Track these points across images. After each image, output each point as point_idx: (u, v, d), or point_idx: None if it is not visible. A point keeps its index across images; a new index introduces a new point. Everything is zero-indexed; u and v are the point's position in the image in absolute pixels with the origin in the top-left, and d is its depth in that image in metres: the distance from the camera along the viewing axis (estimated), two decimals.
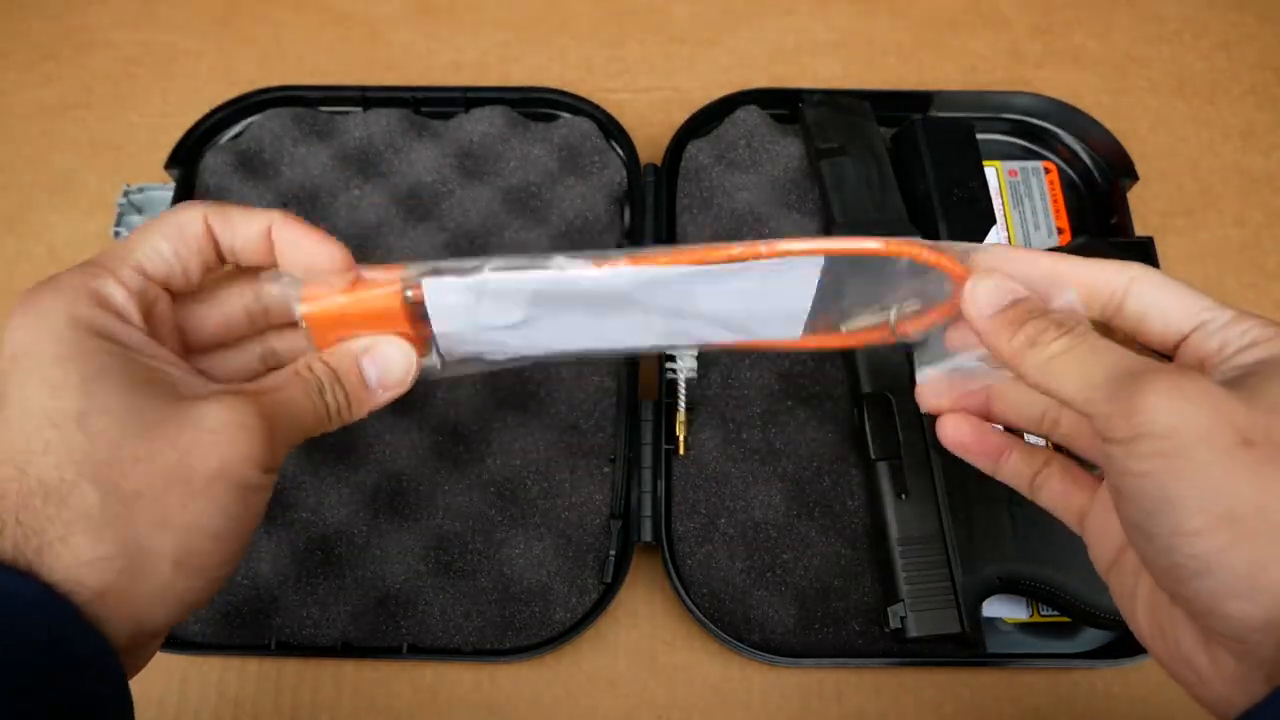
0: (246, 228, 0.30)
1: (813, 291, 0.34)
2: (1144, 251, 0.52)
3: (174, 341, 0.31)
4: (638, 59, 0.63)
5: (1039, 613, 0.47)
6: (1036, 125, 0.58)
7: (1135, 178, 0.54)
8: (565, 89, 0.57)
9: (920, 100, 0.57)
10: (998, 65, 0.63)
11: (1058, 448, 0.35)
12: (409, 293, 0.32)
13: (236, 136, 0.57)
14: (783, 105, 0.57)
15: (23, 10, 0.65)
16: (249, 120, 0.58)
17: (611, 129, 0.57)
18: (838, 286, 0.34)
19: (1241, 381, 0.25)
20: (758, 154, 0.56)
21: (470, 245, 0.54)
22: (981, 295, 0.30)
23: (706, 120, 0.57)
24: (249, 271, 0.33)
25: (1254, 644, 0.23)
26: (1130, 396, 0.25)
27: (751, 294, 0.34)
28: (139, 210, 0.56)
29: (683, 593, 0.45)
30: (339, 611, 0.46)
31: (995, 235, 0.53)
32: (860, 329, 0.37)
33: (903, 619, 0.43)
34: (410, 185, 0.56)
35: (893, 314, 0.35)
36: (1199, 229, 0.57)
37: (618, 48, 0.64)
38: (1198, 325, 0.28)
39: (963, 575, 0.44)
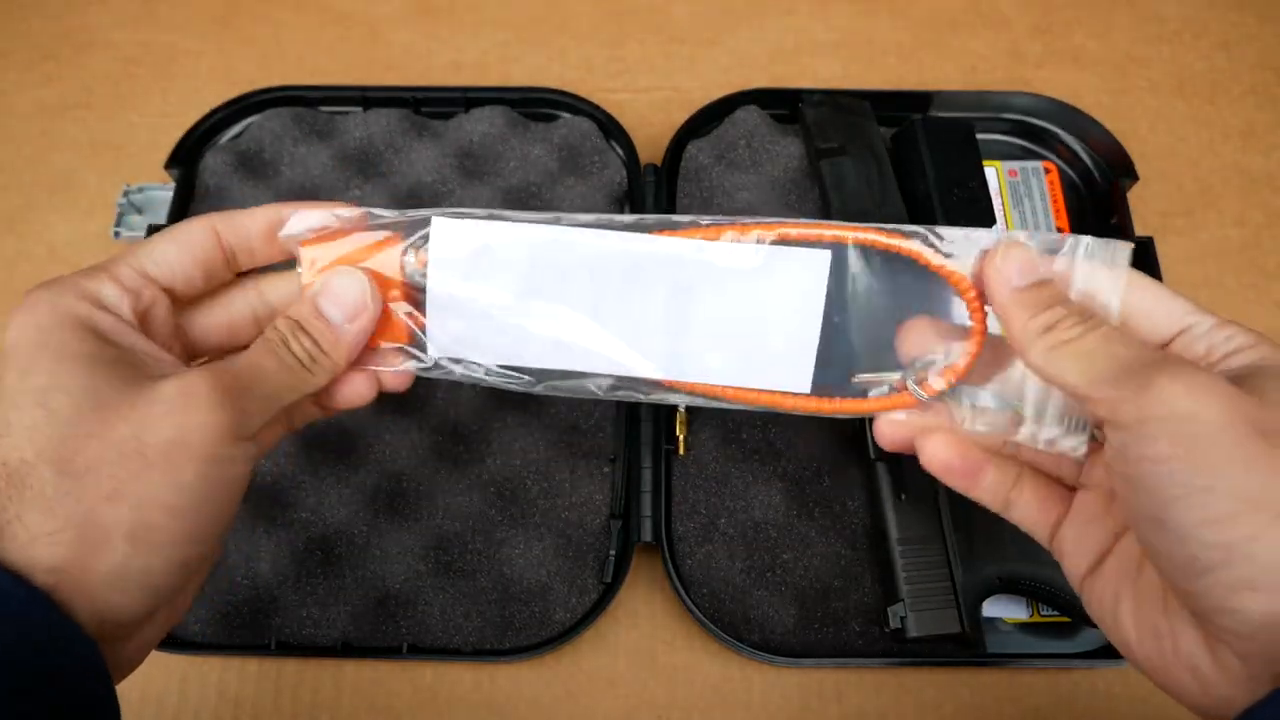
0: (252, 219, 0.32)
1: (822, 299, 0.33)
2: (1144, 251, 0.52)
3: (175, 344, 0.31)
4: (638, 59, 0.63)
5: (1039, 613, 0.47)
6: (1036, 125, 0.58)
7: (1135, 178, 0.54)
8: (565, 89, 0.57)
9: (920, 100, 0.57)
10: (998, 65, 0.63)
11: None
12: (409, 257, 0.33)
13: (236, 136, 0.57)
14: (783, 105, 0.57)
15: (23, 10, 0.65)
16: (249, 120, 0.58)
17: (611, 129, 0.57)
18: (843, 315, 0.34)
19: (1240, 382, 0.25)
20: (758, 154, 0.56)
21: None
22: (1013, 266, 0.30)
23: (706, 120, 0.57)
24: (253, 274, 0.34)
25: (1265, 641, 0.23)
26: (1145, 382, 0.25)
27: (755, 300, 0.34)
28: (139, 210, 0.56)
29: (683, 593, 0.45)
30: (339, 611, 0.46)
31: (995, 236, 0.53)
32: (875, 392, 0.35)
33: (903, 619, 0.43)
34: (410, 185, 0.56)
35: (911, 376, 0.33)
36: (1199, 229, 0.57)
37: (618, 48, 0.64)
38: (1183, 329, 0.28)
39: (963, 575, 0.44)
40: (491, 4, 0.65)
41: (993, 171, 0.56)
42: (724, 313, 0.34)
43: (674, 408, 0.49)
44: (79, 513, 0.25)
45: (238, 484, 0.28)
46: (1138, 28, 0.64)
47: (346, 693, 0.46)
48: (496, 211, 0.34)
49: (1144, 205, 0.57)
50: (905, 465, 0.46)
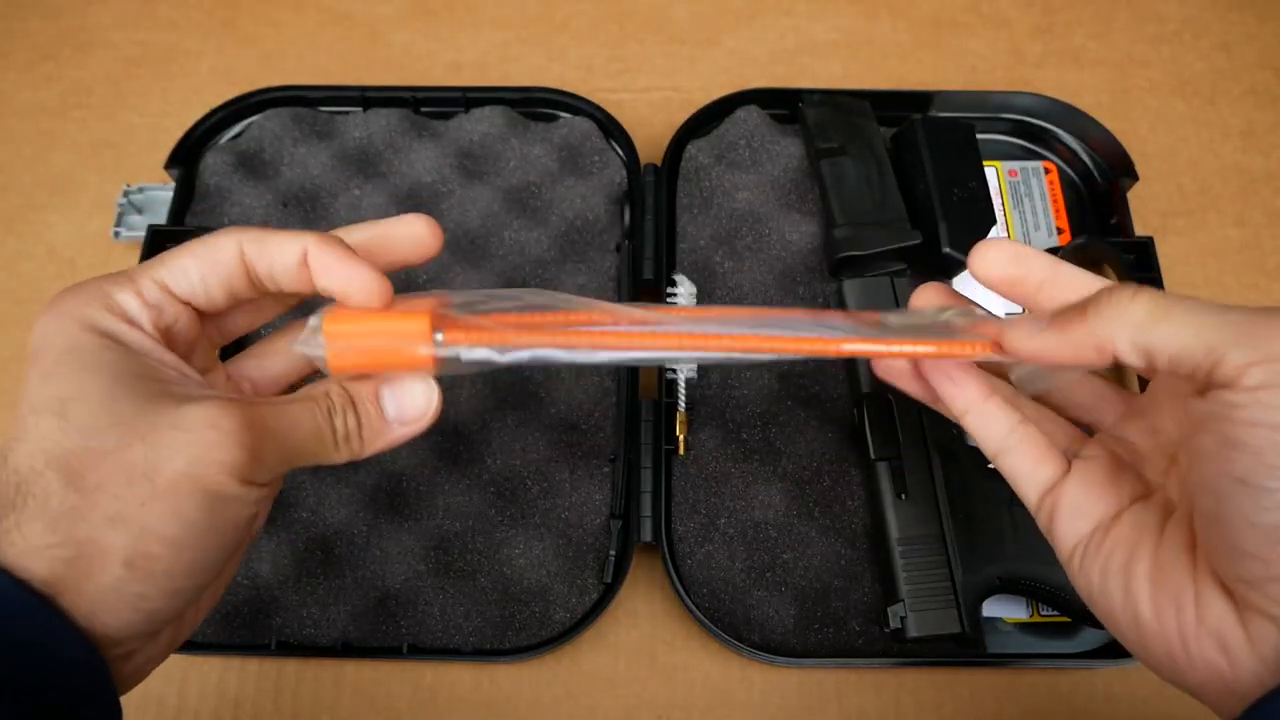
0: (282, 251, 0.29)
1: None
2: (1144, 251, 0.52)
3: (199, 356, 0.31)
4: (638, 59, 0.63)
5: (1039, 613, 0.47)
6: (1036, 125, 0.58)
7: (1135, 178, 0.54)
8: (565, 89, 0.57)
9: (920, 100, 0.57)
10: (998, 65, 0.63)
11: None
12: (439, 337, 0.30)
13: (236, 136, 0.57)
14: (783, 105, 0.57)
15: (23, 10, 0.65)
16: (249, 120, 0.58)
17: (611, 129, 0.57)
18: None
19: None
20: (758, 154, 0.56)
21: (470, 245, 0.54)
22: (1024, 322, 0.29)
23: (706, 120, 0.57)
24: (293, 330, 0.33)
25: None
26: (1269, 339, 0.23)
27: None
28: (139, 210, 0.56)
29: (683, 593, 0.45)
30: (339, 611, 0.46)
31: (995, 235, 0.53)
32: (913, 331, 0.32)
33: (903, 619, 0.43)
34: (410, 185, 0.56)
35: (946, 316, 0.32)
36: (1199, 229, 0.57)
37: (618, 48, 0.64)
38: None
39: (963, 575, 0.44)
40: (491, 4, 0.65)
41: (993, 171, 0.56)
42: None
43: (674, 407, 0.49)
44: (80, 531, 0.25)
45: (244, 525, 0.28)
46: (1138, 28, 0.64)
47: (346, 693, 0.46)
48: (519, 294, 0.32)
49: (1144, 205, 0.57)
50: (905, 465, 0.46)
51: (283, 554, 0.47)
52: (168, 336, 0.29)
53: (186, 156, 0.56)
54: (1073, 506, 0.30)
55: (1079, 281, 0.30)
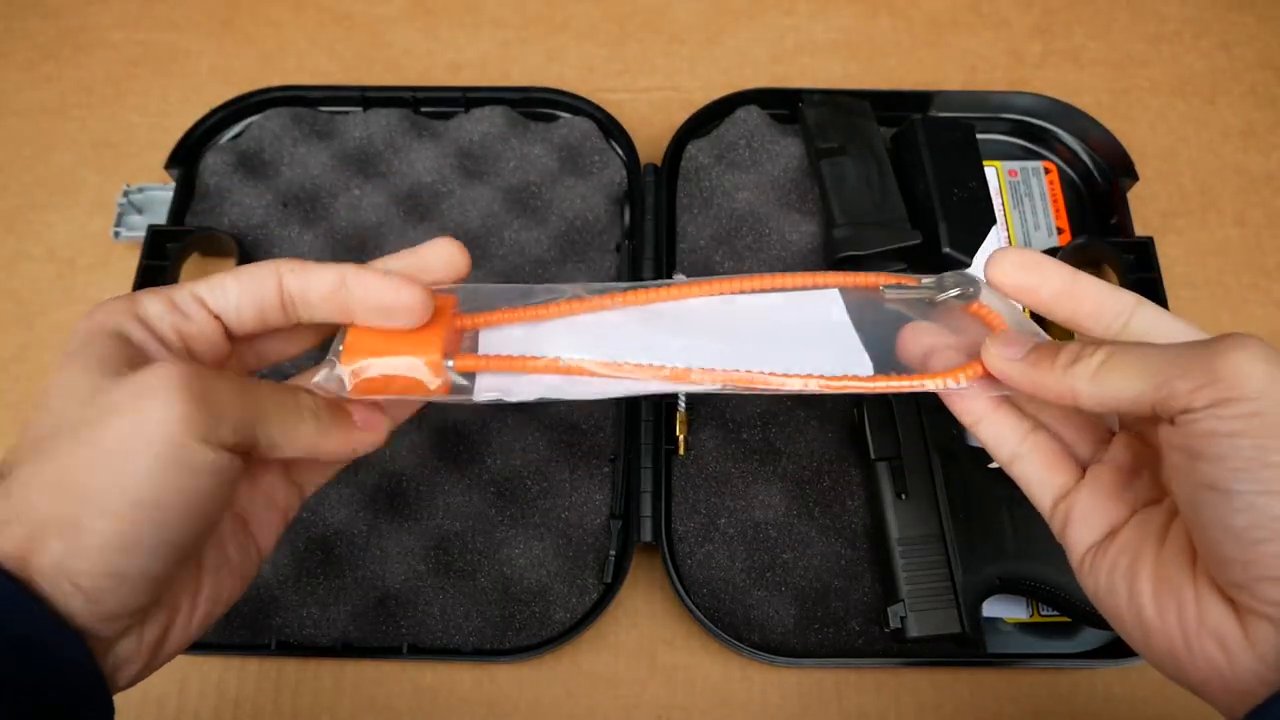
0: (319, 277, 0.30)
1: (846, 315, 0.35)
2: (1144, 251, 0.52)
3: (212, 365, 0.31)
4: (638, 59, 0.63)
5: (1039, 613, 0.47)
6: (1036, 125, 0.58)
7: (1135, 178, 0.54)
8: (565, 89, 0.57)
9: (920, 100, 0.57)
10: (998, 65, 0.63)
11: None
12: (449, 364, 0.32)
13: (236, 136, 0.57)
14: (783, 105, 0.57)
15: (23, 10, 0.65)
16: (249, 120, 0.58)
17: (611, 129, 0.57)
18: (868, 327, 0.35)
19: None
20: (758, 154, 0.56)
21: (470, 245, 0.54)
22: (1008, 348, 0.30)
23: (706, 120, 0.57)
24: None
25: None
26: (1211, 364, 0.25)
27: (790, 324, 0.35)
28: (139, 210, 0.56)
29: (683, 593, 0.45)
30: (339, 611, 0.46)
31: (995, 235, 0.53)
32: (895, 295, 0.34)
33: (903, 619, 0.43)
34: (410, 185, 0.56)
35: (943, 289, 0.33)
36: (1199, 229, 0.57)
37: (618, 48, 0.64)
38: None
39: (963, 575, 0.44)
40: (491, 4, 0.65)
41: (993, 171, 0.56)
42: (768, 337, 0.34)
43: (674, 407, 0.49)
44: (26, 503, 0.25)
45: (200, 494, 0.26)
46: (1138, 28, 0.64)
47: (346, 693, 0.46)
48: (531, 291, 0.35)
49: (1144, 205, 0.57)
50: (905, 465, 0.46)
51: (283, 554, 0.47)
52: (189, 343, 0.30)
53: (186, 156, 0.56)
54: (1086, 515, 0.30)
55: (1096, 293, 0.31)
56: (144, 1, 0.65)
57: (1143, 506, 0.30)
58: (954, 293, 0.33)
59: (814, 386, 0.32)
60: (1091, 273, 0.31)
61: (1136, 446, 0.31)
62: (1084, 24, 0.64)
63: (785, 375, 0.32)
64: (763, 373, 0.32)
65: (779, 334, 0.35)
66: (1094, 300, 0.31)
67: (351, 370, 0.31)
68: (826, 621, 0.46)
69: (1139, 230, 0.54)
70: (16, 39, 0.64)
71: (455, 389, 0.32)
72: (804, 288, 0.35)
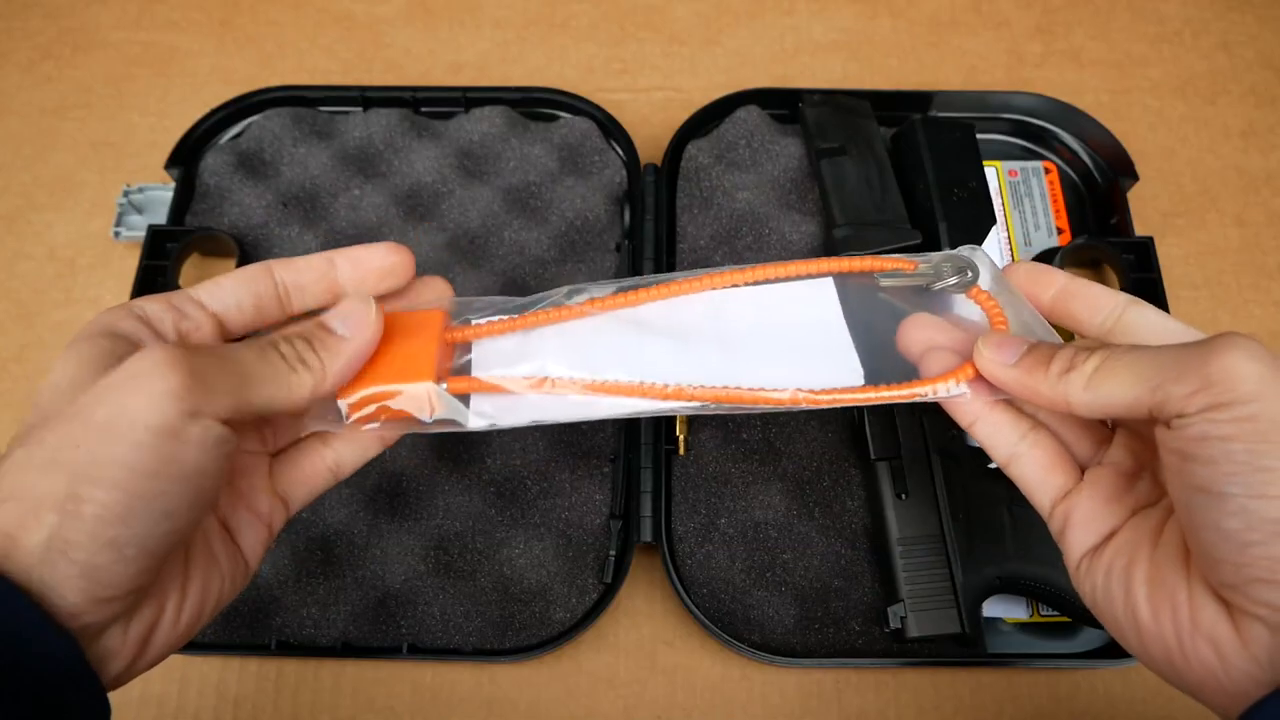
0: (308, 263, 0.33)
1: (840, 312, 0.35)
2: (1144, 251, 0.52)
3: None
4: (638, 59, 0.63)
5: (1039, 613, 0.47)
6: (1036, 125, 0.58)
7: (1135, 178, 0.54)
8: (565, 89, 0.57)
9: (920, 100, 0.57)
10: (998, 65, 0.63)
11: None
12: (443, 386, 0.33)
13: (236, 136, 0.57)
14: (783, 105, 0.57)
15: (23, 10, 0.65)
16: (249, 120, 0.58)
17: (611, 129, 0.57)
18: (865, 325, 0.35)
19: None
20: (758, 154, 0.56)
21: (470, 245, 0.54)
22: (1000, 353, 0.31)
23: (706, 120, 0.57)
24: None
25: None
26: (1203, 368, 0.25)
27: (782, 326, 0.35)
28: (139, 210, 0.56)
29: (683, 593, 0.45)
30: (339, 611, 0.46)
31: (995, 235, 0.53)
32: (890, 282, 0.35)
33: (903, 619, 0.43)
34: (410, 185, 0.56)
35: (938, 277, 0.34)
36: (1199, 229, 0.57)
37: (618, 48, 0.64)
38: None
39: (963, 575, 0.44)
40: (491, 4, 0.65)
41: (993, 171, 0.56)
42: (761, 343, 0.35)
43: None
44: (18, 482, 0.25)
45: (195, 478, 0.26)
46: (1138, 28, 0.64)
47: (346, 693, 0.46)
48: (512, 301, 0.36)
49: (1144, 205, 0.57)
50: (905, 465, 0.46)
51: (283, 554, 0.47)
52: (186, 340, 0.31)
53: (186, 156, 0.56)
54: (1084, 520, 0.31)
55: (1089, 291, 0.32)
56: (144, 1, 0.65)
57: (1140, 508, 0.30)
58: (951, 281, 0.34)
59: (802, 401, 0.33)
60: (1092, 273, 0.32)
61: (1136, 446, 0.31)
62: (1084, 24, 0.64)
63: (774, 391, 0.33)
64: (752, 390, 0.33)
65: (771, 338, 0.35)
66: (1087, 297, 0.32)
67: (349, 403, 0.32)
68: (826, 621, 0.46)
69: (1139, 230, 0.54)
70: (16, 39, 0.64)
71: (451, 410, 0.33)
72: (797, 276, 0.35)
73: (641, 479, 0.47)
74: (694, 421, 0.49)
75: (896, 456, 0.46)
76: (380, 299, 0.33)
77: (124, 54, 0.63)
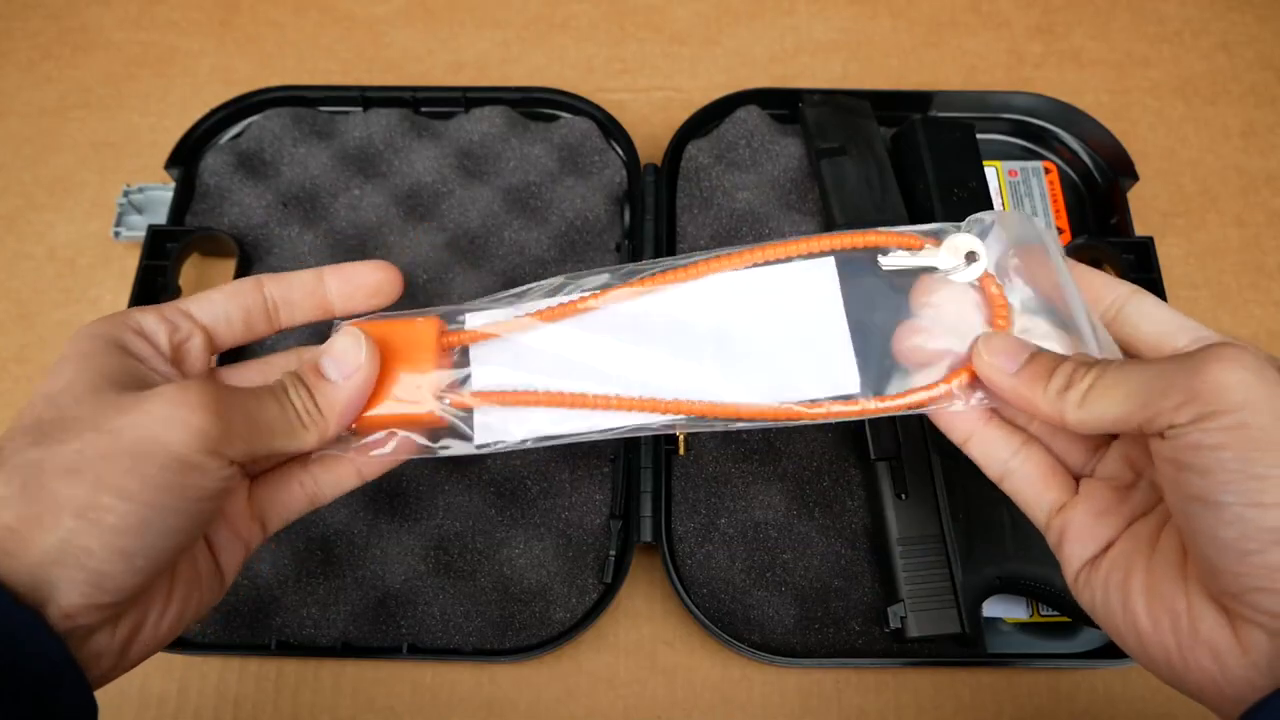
0: (299, 279, 0.34)
1: (840, 301, 0.34)
2: (1144, 251, 0.52)
3: (198, 375, 0.33)
4: (638, 59, 0.63)
5: (1039, 613, 0.47)
6: (1036, 125, 0.58)
7: (1135, 178, 0.54)
8: (565, 89, 0.57)
9: (920, 100, 0.57)
10: (998, 65, 0.63)
11: None
12: (445, 403, 0.34)
13: (236, 136, 0.57)
14: (783, 105, 0.57)
15: (23, 10, 0.65)
16: (249, 120, 0.58)
17: (611, 129, 0.57)
18: (867, 315, 0.34)
19: None
20: (758, 154, 0.56)
21: (470, 245, 0.54)
22: (1001, 358, 0.31)
23: (706, 120, 0.57)
24: (296, 349, 0.36)
25: None
26: (1192, 379, 0.25)
27: (781, 320, 0.35)
28: (139, 210, 0.56)
29: (683, 593, 0.45)
30: (339, 611, 0.46)
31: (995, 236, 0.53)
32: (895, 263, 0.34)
33: (903, 619, 0.43)
34: (410, 185, 0.56)
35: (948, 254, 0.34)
36: (1199, 229, 0.57)
37: (618, 48, 0.64)
38: (1196, 340, 0.29)
39: (963, 575, 0.44)
40: (491, 4, 0.65)
41: (993, 171, 0.56)
42: (757, 341, 0.35)
43: None
44: (35, 483, 0.26)
45: (203, 500, 0.28)
46: (1138, 28, 0.64)
47: (346, 693, 0.46)
48: (516, 297, 0.36)
49: (1144, 205, 0.57)
50: (905, 465, 0.46)
51: (283, 554, 0.47)
52: (178, 354, 0.32)
53: (186, 156, 0.56)
54: (1080, 533, 0.31)
55: (1094, 281, 0.32)
56: (144, 1, 0.65)
57: (1136, 518, 0.30)
58: (957, 265, 0.33)
59: (803, 417, 0.33)
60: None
61: (1132, 454, 0.31)
62: (1084, 24, 0.64)
63: (767, 407, 0.33)
64: (749, 405, 0.33)
65: (768, 332, 0.35)
66: (1090, 286, 0.32)
67: (354, 431, 0.34)
68: (826, 621, 0.46)
69: (1139, 230, 0.54)
70: (16, 39, 0.64)
71: (454, 428, 0.35)
72: (798, 255, 0.35)
73: (641, 479, 0.47)
74: None
75: (896, 456, 0.46)
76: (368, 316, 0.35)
77: (124, 54, 0.63)
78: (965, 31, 0.64)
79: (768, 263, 0.35)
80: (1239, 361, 0.25)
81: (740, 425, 0.34)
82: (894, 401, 0.33)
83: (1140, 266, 0.52)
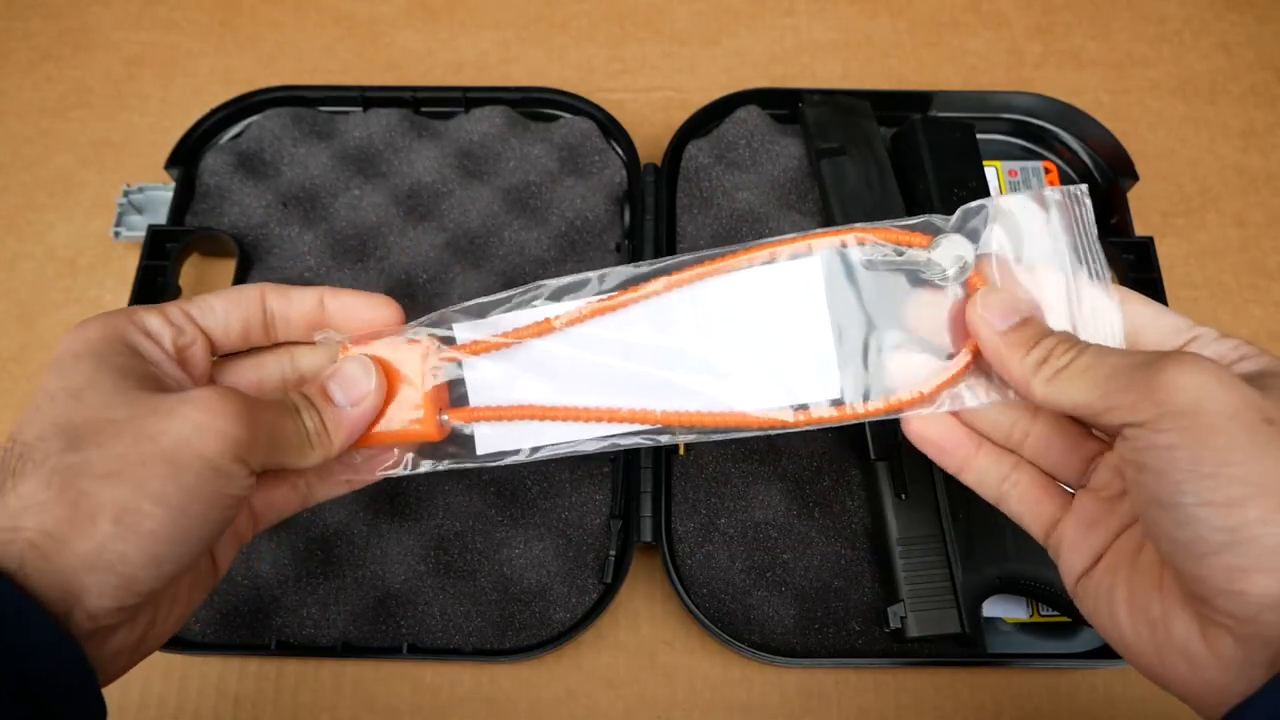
0: (301, 298, 0.34)
1: (824, 304, 0.34)
2: (1144, 251, 0.52)
3: (206, 383, 0.33)
4: (638, 59, 0.63)
5: (1039, 613, 0.47)
6: (1036, 125, 0.58)
7: (1135, 178, 0.54)
8: (565, 89, 0.57)
9: (920, 100, 0.57)
10: (998, 65, 0.63)
11: None
12: (433, 360, 0.35)
13: (236, 136, 0.57)
14: (783, 105, 0.57)
15: (23, 10, 0.65)
16: (249, 120, 0.58)
17: (611, 129, 0.57)
18: (853, 314, 0.34)
19: (1250, 381, 0.26)
20: (758, 154, 0.56)
21: (470, 245, 0.54)
22: (994, 312, 0.31)
23: (706, 120, 0.57)
24: (288, 344, 0.36)
25: (1265, 624, 0.24)
26: (1150, 379, 0.25)
27: (766, 322, 0.35)
28: (139, 210, 0.56)
29: (683, 593, 0.45)
30: (339, 611, 0.46)
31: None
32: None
33: (903, 619, 0.43)
34: (410, 185, 0.56)
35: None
36: (1199, 229, 0.57)
37: (618, 48, 0.64)
38: (1192, 338, 0.29)
39: (963, 575, 0.44)
40: (491, 4, 0.65)
41: (993, 171, 0.56)
42: (742, 344, 0.35)
43: None
44: (74, 487, 0.26)
45: (228, 507, 0.29)
46: (1138, 28, 0.64)
47: (346, 693, 0.46)
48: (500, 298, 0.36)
49: (1144, 205, 0.57)
50: (905, 465, 0.46)
51: (283, 554, 0.47)
52: (182, 356, 0.32)
53: (186, 156, 0.56)
54: (1073, 546, 0.31)
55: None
56: (144, 1, 0.65)
57: (1124, 528, 0.30)
58: (945, 271, 0.33)
59: (789, 424, 0.34)
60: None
61: (1120, 465, 0.31)
62: (1084, 24, 0.64)
63: (753, 415, 0.34)
64: (735, 412, 0.34)
65: (751, 335, 0.35)
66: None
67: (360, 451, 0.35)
68: (826, 621, 0.46)
69: (1139, 230, 0.54)
70: (16, 39, 0.64)
71: (455, 439, 0.36)
72: (781, 256, 0.35)
73: (641, 479, 0.47)
74: None
75: (896, 456, 0.46)
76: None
77: (124, 54, 0.63)
78: (965, 31, 0.64)
79: (751, 265, 0.35)
80: (1197, 365, 0.25)
81: (726, 435, 0.34)
82: (876, 410, 0.33)
83: (1140, 266, 0.52)
